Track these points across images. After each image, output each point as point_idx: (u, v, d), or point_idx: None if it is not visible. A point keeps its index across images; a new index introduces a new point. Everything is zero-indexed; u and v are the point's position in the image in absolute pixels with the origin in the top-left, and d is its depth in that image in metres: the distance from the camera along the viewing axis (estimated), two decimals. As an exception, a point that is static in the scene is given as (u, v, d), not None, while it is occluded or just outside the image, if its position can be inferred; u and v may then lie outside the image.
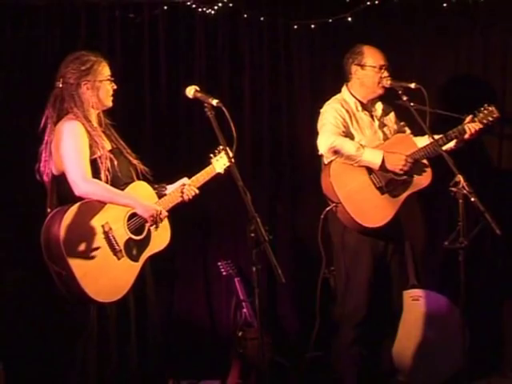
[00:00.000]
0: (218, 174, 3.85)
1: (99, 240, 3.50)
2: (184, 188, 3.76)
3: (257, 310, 3.18)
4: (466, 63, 5.06)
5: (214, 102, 3.25)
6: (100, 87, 3.67)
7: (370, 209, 4.09)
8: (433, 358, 4.63)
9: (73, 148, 3.56)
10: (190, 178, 3.84)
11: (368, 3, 4.94)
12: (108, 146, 3.69)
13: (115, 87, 3.71)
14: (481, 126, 4.17)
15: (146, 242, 3.64)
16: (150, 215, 3.59)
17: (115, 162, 3.62)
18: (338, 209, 4.12)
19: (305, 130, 4.93)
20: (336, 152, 4.08)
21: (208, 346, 4.96)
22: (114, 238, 3.53)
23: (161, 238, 3.71)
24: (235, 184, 3.15)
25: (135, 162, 3.75)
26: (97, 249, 3.48)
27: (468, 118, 4.19)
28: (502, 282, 4.98)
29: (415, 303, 4.71)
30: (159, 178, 3.91)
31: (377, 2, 4.94)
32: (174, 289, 4.91)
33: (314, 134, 4.25)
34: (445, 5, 4.96)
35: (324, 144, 4.13)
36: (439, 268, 5.04)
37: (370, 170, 4.15)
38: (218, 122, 3.24)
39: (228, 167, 3.62)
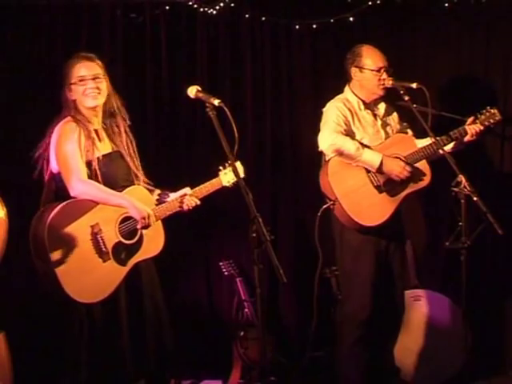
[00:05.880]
0: (224, 187, 3.89)
1: (85, 240, 3.52)
2: (185, 198, 3.79)
3: (258, 309, 3.18)
4: (468, 63, 5.06)
5: (216, 101, 3.24)
6: (73, 89, 3.71)
7: (367, 207, 4.08)
8: (434, 357, 4.63)
9: (67, 149, 3.61)
10: (192, 185, 3.85)
11: (370, 3, 4.94)
12: (107, 148, 3.71)
13: (91, 85, 3.69)
14: (482, 128, 4.17)
15: (136, 246, 3.65)
16: (141, 217, 3.60)
17: (110, 166, 3.65)
18: (335, 207, 4.11)
19: (307, 130, 4.91)
20: (336, 150, 4.08)
21: (209, 346, 4.95)
22: (102, 240, 3.54)
23: (153, 244, 3.72)
24: (237, 184, 3.15)
25: (133, 167, 3.76)
26: (81, 249, 3.50)
27: (470, 120, 4.19)
28: (504, 281, 4.98)
29: (417, 303, 4.71)
30: (159, 178, 3.93)
31: (378, 2, 4.94)
32: (176, 288, 4.91)
33: (315, 133, 4.24)
34: (447, 5, 4.96)
35: (325, 141, 4.12)
36: (440, 268, 5.04)
37: (368, 169, 4.14)
38: (220, 121, 3.23)
39: (236, 182, 3.66)
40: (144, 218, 3.60)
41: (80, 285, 3.48)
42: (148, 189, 3.85)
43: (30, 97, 4.75)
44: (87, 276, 3.49)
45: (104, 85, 3.73)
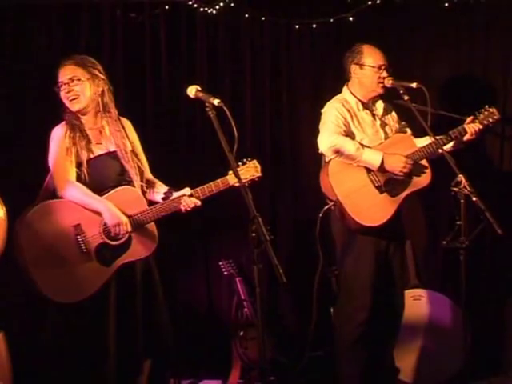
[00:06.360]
0: (232, 187, 3.76)
1: (66, 240, 3.53)
2: (182, 199, 3.72)
3: (258, 309, 3.18)
4: (468, 63, 5.06)
5: (216, 101, 3.24)
6: (59, 93, 3.73)
7: (369, 208, 4.08)
8: (434, 357, 4.63)
9: (57, 152, 3.67)
10: (192, 185, 3.80)
11: (369, 3, 4.94)
12: (102, 148, 3.71)
13: (67, 90, 3.69)
14: (481, 127, 4.17)
15: (123, 248, 3.63)
16: (112, 224, 3.58)
17: (99, 168, 3.66)
18: (336, 208, 4.12)
19: (306, 130, 4.93)
20: (336, 151, 4.08)
21: (209, 346, 4.96)
22: (83, 240, 3.55)
23: (143, 246, 3.67)
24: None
25: (129, 167, 3.72)
26: (60, 248, 3.52)
27: (469, 119, 4.19)
28: (503, 281, 4.98)
29: (416, 303, 4.71)
30: (158, 178, 3.94)
31: (378, 2, 4.94)
32: (176, 287, 4.91)
33: (315, 133, 4.25)
34: (446, 4, 4.96)
35: (324, 143, 4.13)
36: (440, 268, 5.04)
37: (368, 169, 4.14)
38: (219, 121, 3.23)
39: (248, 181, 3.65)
40: (115, 226, 3.57)
41: (56, 284, 3.49)
42: (150, 184, 3.84)
43: (29, 97, 4.75)
44: (65, 276, 3.50)
45: (83, 86, 3.71)
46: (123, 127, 3.82)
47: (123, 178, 3.73)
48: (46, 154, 3.79)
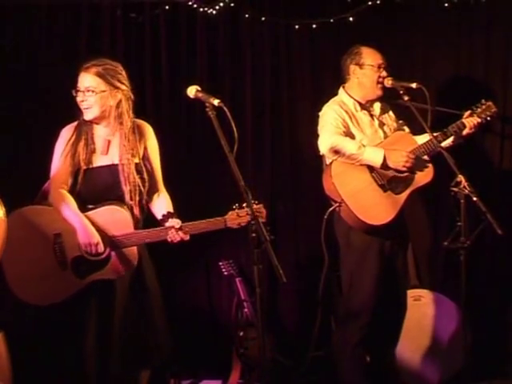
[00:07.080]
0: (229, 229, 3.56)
1: (43, 247, 3.52)
2: (170, 231, 3.56)
3: (258, 309, 3.18)
4: (467, 63, 5.07)
5: (216, 101, 3.24)
6: (76, 97, 3.67)
7: (374, 206, 4.07)
8: (435, 358, 4.63)
9: (57, 155, 3.66)
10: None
11: (370, 3, 4.94)
12: (105, 161, 3.66)
13: (80, 99, 3.63)
14: (479, 120, 4.20)
15: (100, 264, 3.56)
16: (83, 242, 3.52)
17: (93, 181, 3.62)
18: (341, 208, 4.11)
19: (306, 130, 4.92)
20: (337, 152, 4.08)
21: (209, 346, 4.95)
22: (60, 249, 3.53)
23: (119, 268, 3.58)
24: (236, 184, 3.15)
25: (127, 184, 3.62)
26: (37, 252, 3.51)
27: (467, 114, 4.22)
28: (504, 281, 4.98)
29: (417, 303, 4.71)
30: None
31: (378, 2, 4.94)
32: (176, 288, 4.91)
33: (315, 134, 4.25)
34: (446, 5, 4.96)
35: (325, 144, 4.13)
36: (440, 268, 5.04)
37: (371, 168, 4.14)
38: (219, 121, 3.23)
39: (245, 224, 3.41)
40: (86, 245, 3.51)
41: (30, 289, 3.51)
42: (152, 199, 3.76)
43: (29, 97, 4.74)
44: (40, 281, 3.51)
45: (98, 98, 3.61)
46: (137, 139, 3.72)
47: (115, 194, 3.64)
48: (45, 154, 3.77)
